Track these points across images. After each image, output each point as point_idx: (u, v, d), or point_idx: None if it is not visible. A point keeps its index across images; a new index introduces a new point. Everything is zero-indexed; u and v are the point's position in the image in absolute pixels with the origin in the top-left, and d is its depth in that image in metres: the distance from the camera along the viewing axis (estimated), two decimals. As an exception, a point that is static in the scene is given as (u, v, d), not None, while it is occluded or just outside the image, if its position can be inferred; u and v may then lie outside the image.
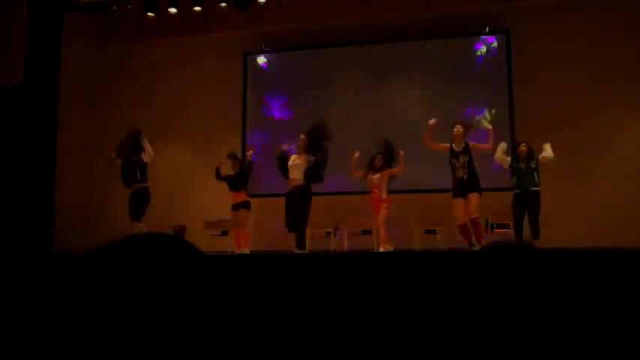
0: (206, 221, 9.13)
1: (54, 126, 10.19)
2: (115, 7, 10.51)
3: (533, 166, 7.60)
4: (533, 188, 7.49)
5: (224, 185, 8.83)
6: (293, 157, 7.44)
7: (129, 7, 10.44)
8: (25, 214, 9.31)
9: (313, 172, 7.29)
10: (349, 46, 10.30)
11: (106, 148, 10.94)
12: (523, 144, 7.77)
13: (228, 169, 8.38)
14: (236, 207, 8.22)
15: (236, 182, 8.17)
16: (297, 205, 7.17)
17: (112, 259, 0.67)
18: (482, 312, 0.62)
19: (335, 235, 8.72)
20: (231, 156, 8.38)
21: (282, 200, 7.84)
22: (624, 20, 9.14)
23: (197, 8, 10.17)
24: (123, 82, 11.08)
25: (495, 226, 8.27)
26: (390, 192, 8.70)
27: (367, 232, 8.54)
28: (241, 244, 8.04)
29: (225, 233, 8.97)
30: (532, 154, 7.64)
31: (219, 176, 8.34)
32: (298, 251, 7.17)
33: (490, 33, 9.85)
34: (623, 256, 4.96)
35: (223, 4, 10.04)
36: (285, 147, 7.59)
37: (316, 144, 7.37)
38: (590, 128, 9.13)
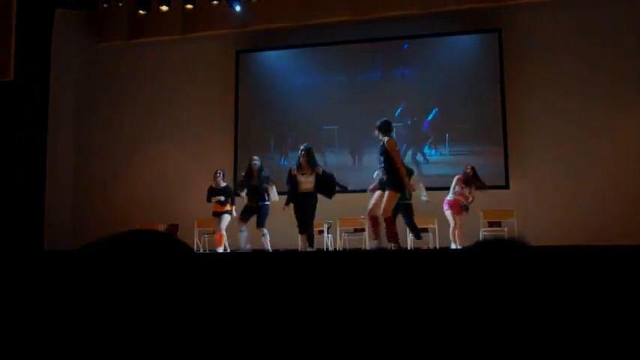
0: (198, 220, 9.12)
1: (44, 124, 10.13)
2: (105, 5, 10.47)
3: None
4: (405, 202, 7.57)
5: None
6: (299, 171, 7.72)
7: (120, 4, 10.38)
8: (16, 212, 9.26)
9: (327, 188, 7.70)
10: (342, 44, 10.30)
11: (97, 146, 10.93)
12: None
13: (216, 183, 8.76)
14: (220, 214, 8.61)
15: (224, 196, 8.65)
16: (308, 208, 7.60)
17: (105, 256, 0.67)
18: (475, 311, 0.62)
19: (328, 233, 8.74)
20: (219, 172, 8.81)
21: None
22: (616, 19, 9.19)
23: (189, 6, 10.14)
24: (114, 81, 11.03)
25: (488, 224, 8.30)
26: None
27: (360, 230, 8.56)
28: (222, 243, 8.62)
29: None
30: (407, 169, 7.70)
31: (211, 193, 8.69)
32: (310, 249, 7.60)
33: (482, 32, 9.88)
34: (618, 253, 4.99)
35: (215, 2, 10.01)
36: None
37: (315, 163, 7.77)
38: (581, 127, 9.17)
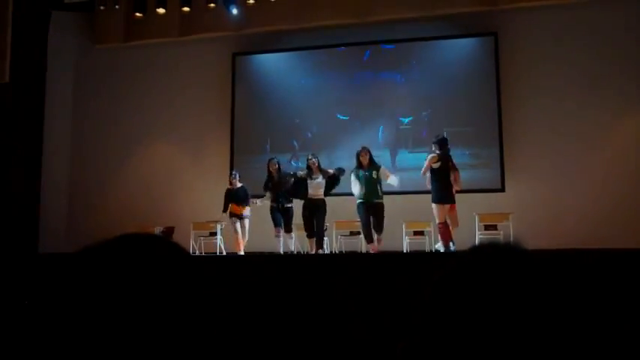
0: (194, 222, 9.10)
1: (40, 126, 10.12)
2: (102, 7, 10.46)
3: (376, 177, 7.70)
4: (376, 200, 7.64)
5: (212, 187, 8.81)
6: (308, 176, 8.02)
7: (116, 6, 10.38)
8: (11, 214, 9.23)
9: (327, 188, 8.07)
10: (338, 47, 10.32)
11: (93, 148, 10.91)
12: (364, 150, 7.80)
13: (233, 184, 8.71)
14: (241, 216, 8.56)
15: (244, 197, 8.60)
16: (320, 215, 7.92)
17: (100, 259, 0.67)
18: (470, 313, 0.62)
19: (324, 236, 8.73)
20: (234, 173, 8.84)
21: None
22: (612, 22, 9.22)
23: (185, 9, 10.14)
24: (110, 83, 11.01)
25: (483, 227, 8.31)
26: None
27: (356, 233, 8.55)
28: (240, 247, 8.57)
29: (213, 235, 8.96)
30: (374, 164, 7.76)
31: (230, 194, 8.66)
32: (321, 251, 7.91)
33: (478, 35, 9.91)
34: (615, 256, 5.01)
35: (212, 5, 10.02)
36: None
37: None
38: (577, 130, 9.20)
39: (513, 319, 0.58)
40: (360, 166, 7.77)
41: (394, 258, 6.93)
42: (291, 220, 8.26)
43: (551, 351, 0.57)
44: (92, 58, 11.02)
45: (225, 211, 8.56)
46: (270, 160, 8.47)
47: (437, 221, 7.54)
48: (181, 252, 0.72)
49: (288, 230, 8.26)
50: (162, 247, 0.71)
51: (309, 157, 8.08)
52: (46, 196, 10.10)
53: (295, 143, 10.35)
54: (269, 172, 8.33)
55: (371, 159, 7.81)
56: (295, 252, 8.22)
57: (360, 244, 8.49)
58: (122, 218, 9.59)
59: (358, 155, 7.80)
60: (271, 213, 8.26)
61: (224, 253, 8.58)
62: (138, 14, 10.32)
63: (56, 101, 10.55)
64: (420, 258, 6.71)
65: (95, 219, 10.11)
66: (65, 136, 10.92)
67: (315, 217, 7.90)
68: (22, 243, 8.99)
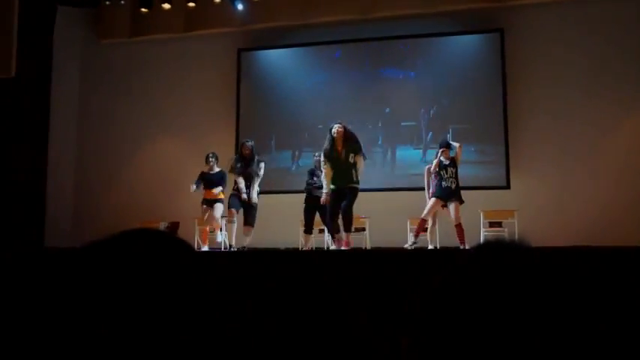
0: (199, 218, 9.10)
1: (46, 121, 10.15)
2: (107, 2, 10.49)
3: (352, 161, 6.80)
4: (350, 185, 6.79)
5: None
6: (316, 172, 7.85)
7: (122, 2, 10.41)
8: (17, 210, 9.27)
9: None
10: (343, 43, 10.30)
11: (98, 143, 10.94)
12: (338, 125, 6.87)
13: (210, 167, 8.32)
14: (213, 201, 8.18)
15: (213, 181, 8.19)
16: (322, 211, 7.65)
17: (105, 254, 0.67)
18: (475, 310, 0.62)
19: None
20: (211, 156, 8.34)
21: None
22: (620, 18, 9.17)
23: (191, 4, 10.16)
24: (115, 78, 11.03)
25: (488, 224, 8.29)
26: (385, 189, 8.72)
27: (360, 229, 8.55)
28: (205, 240, 8.22)
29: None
30: (351, 144, 6.83)
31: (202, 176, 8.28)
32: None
33: (484, 32, 9.88)
34: (621, 254, 4.99)
35: (217, 0, 10.03)
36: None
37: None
38: (584, 127, 9.16)
39: (518, 318, 0.58)
40: (333, 145, 6.88)
41: (398, 254, 6.92)
42: (254, 213, 7.80)
43: (555, 349, 0.57)
44: (98, 54, 11.05)
45: (197, 187, 8.03)
46: (243, 143, 8.03)
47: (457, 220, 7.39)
48: (186, 247, 0.72)
49: (248, 224, 7.78)
50: (167, 243, 0.71)
51: (315, 155, 7.90)
52: (52, 190, 10.14)
53: (300, 139, 10.34)
54: (241, 154, 7.90)
55: (347, 137, 6.87)
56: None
57: (364, 241, 8.48)
58: (127, 213, 9.61)
59: (330, 131, 6.91)
60: (229, 198, 7.87)
61: (228, 249, 8.58)
62: (143, 9, 10.34)
63: (62, 96, 10.58)
64: (424, 255, 6.70)
65: (100, 213, 10.14)
66: (71, 131, 10.95)
67: (316, 213, 7.74)
68: (28, 237, 9.03)
